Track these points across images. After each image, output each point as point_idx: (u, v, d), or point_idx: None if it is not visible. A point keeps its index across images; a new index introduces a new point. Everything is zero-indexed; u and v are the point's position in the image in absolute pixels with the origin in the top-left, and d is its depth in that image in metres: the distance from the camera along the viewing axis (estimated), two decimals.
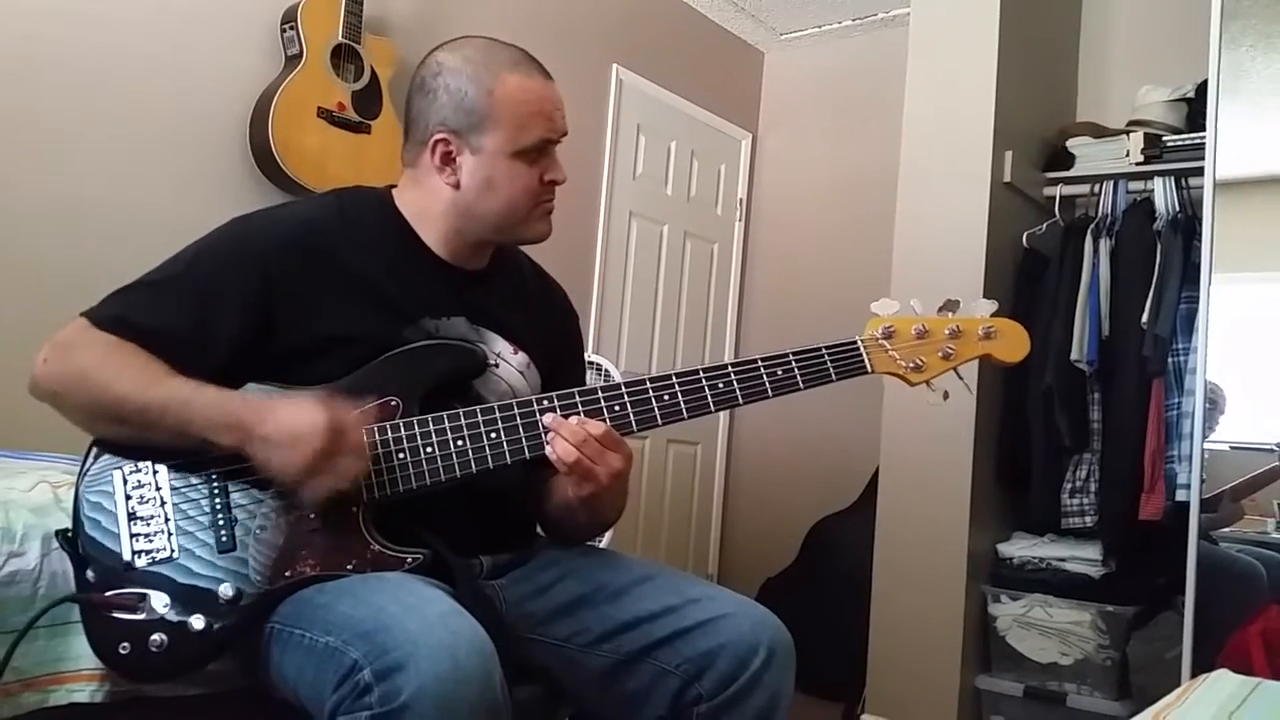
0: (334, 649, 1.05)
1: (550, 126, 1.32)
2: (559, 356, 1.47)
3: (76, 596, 1.16)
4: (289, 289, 1.26)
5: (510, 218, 1.34)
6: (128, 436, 1.18)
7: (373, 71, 2.66)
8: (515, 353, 1.39)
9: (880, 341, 1.30)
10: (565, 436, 1.21)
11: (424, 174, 1.35)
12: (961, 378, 1.33)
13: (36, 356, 1.20)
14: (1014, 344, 1.33)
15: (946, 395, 1.32)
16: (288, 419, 1.13)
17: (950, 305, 1.33)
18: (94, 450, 1.21)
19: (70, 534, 1.18)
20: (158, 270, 1.27)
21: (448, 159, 1.32)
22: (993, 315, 1.33)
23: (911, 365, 1.31)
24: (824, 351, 1.29)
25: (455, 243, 1.37)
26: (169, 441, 1.16)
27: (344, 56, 2.62)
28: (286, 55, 2.59)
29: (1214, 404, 2.39)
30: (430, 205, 1.35)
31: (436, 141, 1.31)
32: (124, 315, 1.21)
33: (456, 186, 1.32)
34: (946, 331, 1.31)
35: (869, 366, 1.29)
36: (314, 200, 1.42)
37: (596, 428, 1.22)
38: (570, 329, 1.57)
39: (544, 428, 1.23)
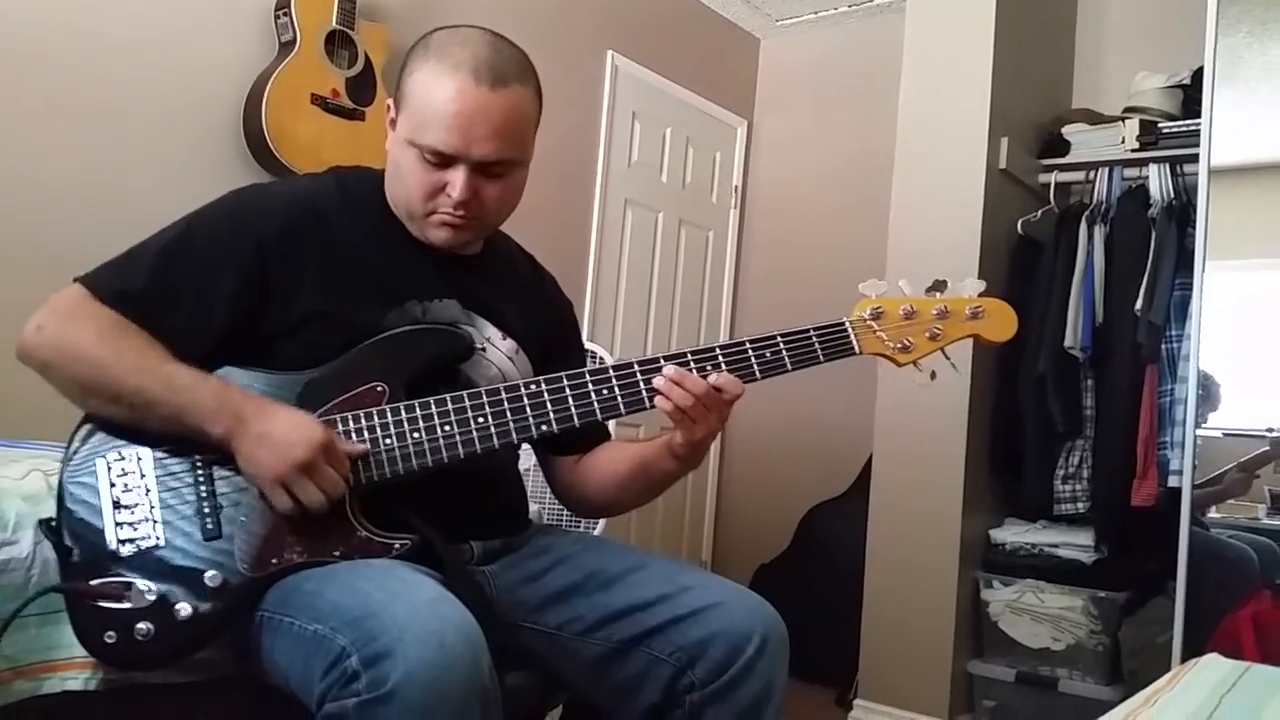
0: (322, 636, 1.05)
1: (445, 139, 1.22)
2: (555, 346, 1.47)
3: (61, 587, 1.15)
4: (280, 260, 1.25)
5: (408, 207, 1.30)
6: (120, 416, 1.18)
7: (367, 58, 2.65)
8: (504, 339, 1.38)
9: (868, 322, 1.29)
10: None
11: None
12: (949, 358, 1.33)
13: (29, 322, 1.18)
14: (1001, 323, 1.32)
15: (934, 375, 1.31)
16: (285, 423, 1.14)
17: (938, 285, 1.32)
18: (77, 437, 1.20)
19: (54, 523, 1.17)
20: (155, 239, 1.26)
21: (392, 124, 1.31)
22: (980, 295, 1.32)
23: (899, 346, 1.30)
24: (811, 333, 1.28)
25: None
26: (160, 426, 1.16)
27: (338, 43, 2.60)
28: (280, 42, 2.57)
29: (1206, 394, 2.40)
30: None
31: (388, 104, 1.32)
32: (124, 288, 1.20)
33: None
34: (934, 312, 1.30)
35: (856, 348, 1.29)
36: (313, 177, 1.41)
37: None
38: (565, 318, 1.57)
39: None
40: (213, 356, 1.22)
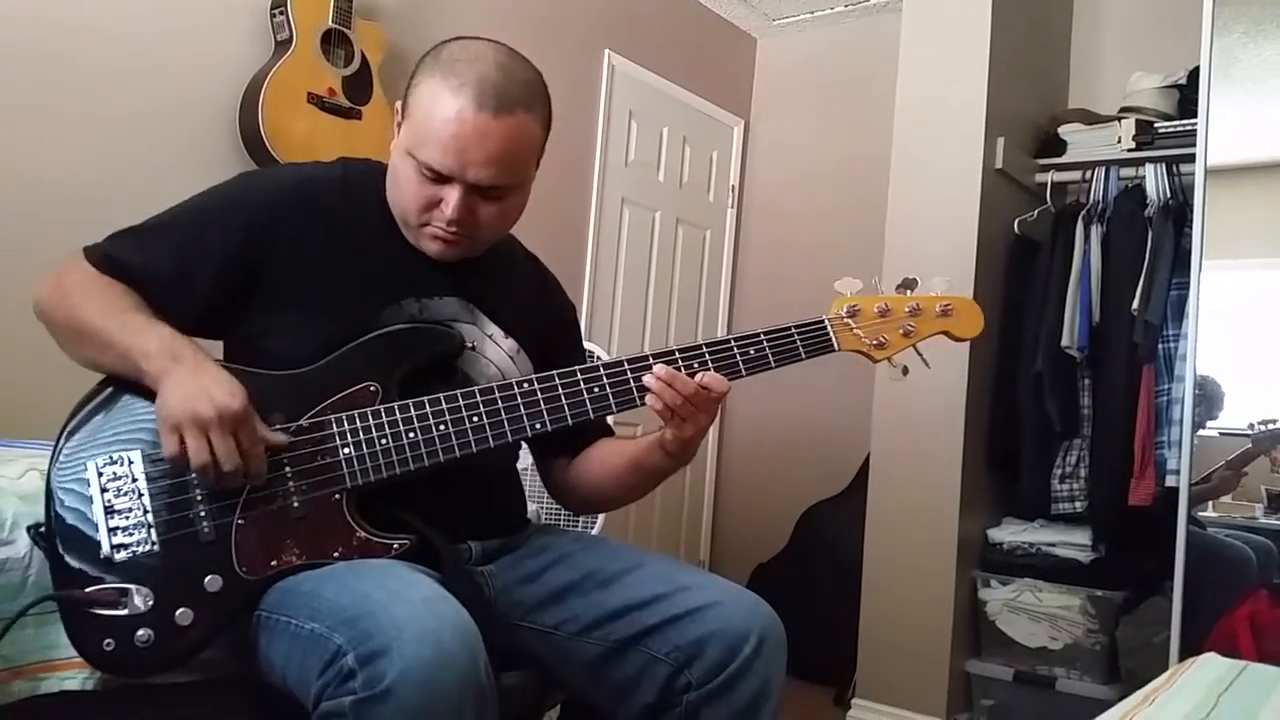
0: (319, 635, 1.05)
1: (441, 159, 1.21)
2: (555, 348, 1.46)
3: (57, 595, 1.13)
4: (273, 244, 1.25)
5: (404, 215, 1.29)
6: (95, 360, 1.20)
7: (363, 57, 2.65)
8: (505, 337, 1.38)
9: (845, 320, 1.33)
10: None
11: None
12: (921, 354, 1.36)
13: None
14: (969, 321, 1.36)
15: (906, 371, 1.36)
16: (212, 377, 1.13)
17: (908, 283, 1.35)
18: (62, 435, 1.19)
19: (43, 528, 1.15)
20: (154, 217, 1.29)
21: (398, 127, 1.31)
22: (948, 293, 1.35)
23: (875, 343, 1.33)
24: (793, 330, 1.31)
25: None
26: (116, 366, 1.18)
27: (334, 41, 2.60)
28: (276, 40, 2.57)
29: (1206, 395, 2.40)
30: None
31: (396, 106, 1.32)
32: (111, 253, 1.25)
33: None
34: (906, 309, 1.34)
35: (835, 344, 1.32)
36: (320, 164, 1.41)
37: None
38: (567, 320, 1.56)
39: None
40: (199, 331, 1.23)
